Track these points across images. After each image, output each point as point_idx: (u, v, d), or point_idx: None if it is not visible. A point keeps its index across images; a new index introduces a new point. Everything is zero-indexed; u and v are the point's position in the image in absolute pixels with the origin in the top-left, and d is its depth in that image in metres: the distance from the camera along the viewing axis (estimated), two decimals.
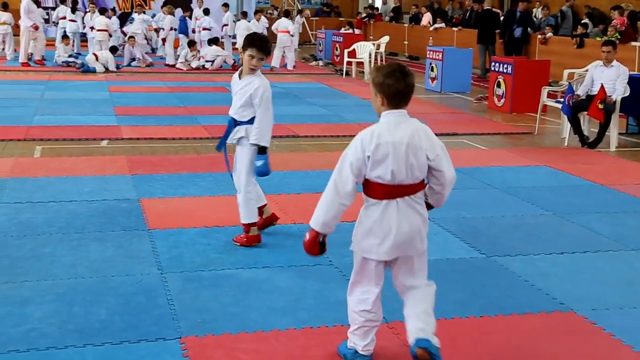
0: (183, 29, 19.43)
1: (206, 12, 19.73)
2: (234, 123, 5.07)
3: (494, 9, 17.68)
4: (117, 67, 16.73)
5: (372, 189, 3.26)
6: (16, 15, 18.37)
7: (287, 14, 19.69)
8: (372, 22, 25.22)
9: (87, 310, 3.98)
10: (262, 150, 5.03)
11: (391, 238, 3.25)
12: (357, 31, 22.71)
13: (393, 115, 3.27)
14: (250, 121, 5.01)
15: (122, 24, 20.32)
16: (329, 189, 3.29)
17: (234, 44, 19.59)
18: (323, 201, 3.31)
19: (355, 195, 3.27)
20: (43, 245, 5.00)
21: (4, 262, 4.66)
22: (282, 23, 18.41)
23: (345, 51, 17.99)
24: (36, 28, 17.06)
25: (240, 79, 5.04)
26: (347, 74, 17.64)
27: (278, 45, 17.81)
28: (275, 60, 17.80)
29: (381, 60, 20.46)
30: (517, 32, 16.24)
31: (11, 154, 7.88)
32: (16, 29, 18.13)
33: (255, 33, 5.36)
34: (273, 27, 18.64)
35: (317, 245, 3.36)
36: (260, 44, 4.91)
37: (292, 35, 18.45)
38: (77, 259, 4.76)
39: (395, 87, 3.23)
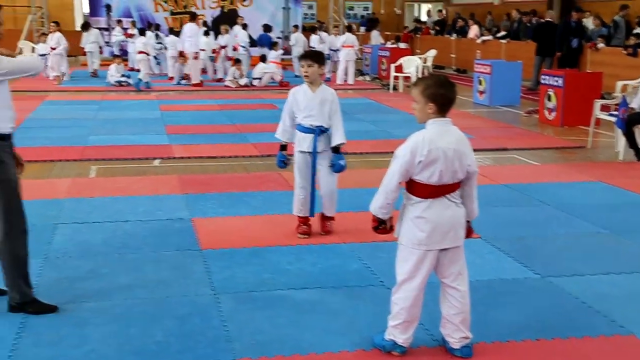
0: (266, 41, 19.93)
1: (244, 27, 20.06)
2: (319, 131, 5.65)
3: (554, 21, 17.37)
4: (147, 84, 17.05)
5: (418, 189, 3.60)
6: (69, 36, 18.94)
7: (350, 29, 19.81)
8: (418, 35, 25.16)
9: (144, 331, 4.05)
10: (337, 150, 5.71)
11: (437, 229, 3.59)
12: (403, 45, 22.68)
13: (441, 123, 3.59)
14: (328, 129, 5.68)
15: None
16: (382, 183, 3.69)
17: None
18: (379, 190, 3.71)
19: (399, 190, 3.66)
20: (101, 266, 5.10)
21: (64, 284, 4.77)
22: (346, 38, 18.66)
23: (392, 66, 17.98)
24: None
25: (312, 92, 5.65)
26: (394, 88, 17.61)
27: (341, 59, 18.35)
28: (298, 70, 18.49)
29: (429, 74, 20.35)
30: (574, 42, 16.03)
31: (68, 175, 8.07)
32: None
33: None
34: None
35: (378, 226, 3.80)
36: (306, 54, 5.78)
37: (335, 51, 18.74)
38: (134, 280, 4.85)
39: (448, 96, 3.58)
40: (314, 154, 5.67)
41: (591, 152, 9.77)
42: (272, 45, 18.83)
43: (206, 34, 18.28)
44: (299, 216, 5.86)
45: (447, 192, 3.60)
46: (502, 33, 20.58)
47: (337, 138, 5.66)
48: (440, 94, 3.55)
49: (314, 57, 5.66)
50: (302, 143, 5.67)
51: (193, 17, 18.33)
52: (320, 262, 5.26)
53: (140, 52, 17.92)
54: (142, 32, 18.96)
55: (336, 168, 5.70)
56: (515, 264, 5.23)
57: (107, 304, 4.42)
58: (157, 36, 20.04)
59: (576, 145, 10.17)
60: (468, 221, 3.76)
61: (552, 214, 6.58)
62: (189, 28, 17.76)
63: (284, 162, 5.84)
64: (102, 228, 6.00)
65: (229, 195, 7.15)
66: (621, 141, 9.21)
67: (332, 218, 5.94)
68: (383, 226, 3.79)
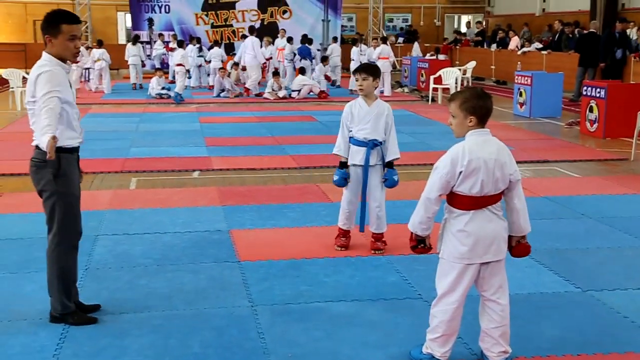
0: (306, 53, 20.14)
1: (289, 40, 20.23)
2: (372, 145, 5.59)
3: (597, 32, 17.16)
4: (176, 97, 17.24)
5: (460, 201, 3.58)
6: (112, 49, 19.31)
7: (385, 41, 19.86)
8: (458, 47, 25.04)
9: (182, 343, 4.08)
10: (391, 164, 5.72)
11: (480, 242, 3.57)
12: (442, 57, 22.60)
13: (480, 133, 3.59)
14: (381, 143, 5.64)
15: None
16: (421, 196, 3.67)
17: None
18: (418, 204, 3.69)
19: (439, 203, 3.64)
20: (139, 277, 5.17)
21: (103, 294, 4.84)
22: (382, 49, 18.71)
23: (431, 77, 17.92)
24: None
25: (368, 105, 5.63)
26: (433, 100, 17.54)
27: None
28: (352, 84, 18.56)
29: (468, 86, 20.26)
30: (619, 53, 15.81)
31: (109, 186, 8.20)
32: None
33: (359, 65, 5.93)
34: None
35: (416, 245, 3.79)
36: (365, 66, 5.73)
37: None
38: (172, 291, 4.89)
39: (487, 106, 3.59)
40: (365, 167, 5.62)
41: (634, 164, 9.59)
42: (323, 60, 19.41)
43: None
44: (340, 228, 5.86)
45: (489, 204, 3.58)
46: (536, 45, 20.40)
47: (392, 153, 5.64)
48: (480, 105, 3.56)
49: (369, 70, 5.60)
50: (355, 156, 5.62)
51: (252, 31, 18.74)
52: (358, 274, 5.25)
53: (178, 65, 18.16)
54: (180, 45, 19.22)
55: (389, 183, 5.65)
56: (556, 277, 5.15)
57: (145, 315, 4.47)
58: (200, 49, 20.30)
59: (619, 157, 10.00)
60: (523, 236, 3.71)
61: (593, 226, 6.47)
62: (251, 41, 18.13)
63: (345, 180, 5.69)
64: (141, 239, 6.07)
65: (267, 207, 7.19)
66: None
67: (382, 236, 5.81)
68: (422, 245, 3.77)
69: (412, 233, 3.76)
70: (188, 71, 19.65)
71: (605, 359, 3.88)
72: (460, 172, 3.50)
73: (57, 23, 4.13)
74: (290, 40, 20.02)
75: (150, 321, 4.38)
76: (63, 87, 4.11)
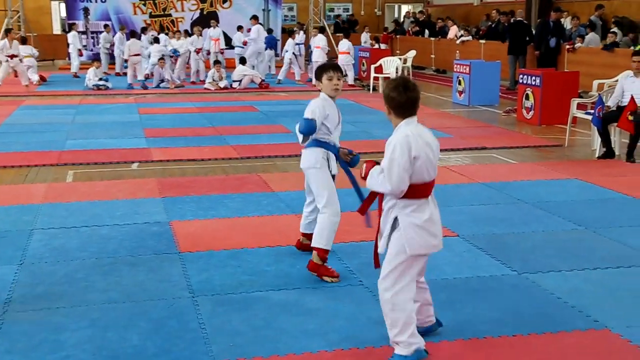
0: (273, 43, 20.20)
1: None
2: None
3: (524, 21, 17.53)
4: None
5: (417, 190, 3.55)
6: (46, 40, 18.80)
7: (322, 31, 19.92)
8: (398, 36, 25.22)
9: (121, 335, 4.02)
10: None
11: (439, 229, 3.64)
12: (383, 46, 22.72)
13: (413, 121, 3.59)
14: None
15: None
16: (383, 188, 3.56)
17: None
18: (375, 186, 3.61)
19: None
20: (76, 271, 5.07)
21: (39, 289, 4.73)
22: (318, 39, 18.81)
23: (372, 67, 18.02)
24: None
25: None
26: (374, 89, 17.65)
27: (314, 60, 18.57)
28: (282, 74, 19.22)
29: (408, 75, 20.46)
30: (552, 42, 16.13)
31: (44, 180, 8.00)
32: None
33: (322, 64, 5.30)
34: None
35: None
36: (334, 65, 5.17)
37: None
38: (110, 284, 4.82)
39: (398, 100, 3.55)
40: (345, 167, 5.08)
41: (568, 150, 9.85)
42: (291, 34, 19.62)
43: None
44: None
45: (431, 191, 3.63)
46: (464, 37, 20.72)
47: None
48: (391, 97, 3.56)
49: (339, 69, 5.08)
50: (332, 164, 5.05)
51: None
52: (299, 263, 5.25)
53: (136, 55, 17.95)
54: (132, 35, 18.91)
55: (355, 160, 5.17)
56: (493, 261, 5.26)
57: (82, 309, 4.39)
58: (156, 40, 19.94)
59: (553, 143, 10.25)
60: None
61: (529, 211, 6.62)
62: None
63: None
64: (78, 233, 5.95)
65: (207, 197, 7.13)
66: (597, 139, 9.29)
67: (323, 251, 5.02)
68: None
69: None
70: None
71: (539, 339, 3.98)
72: (415, 157, 3.48)
73: None
74: (240, 29, 20.01)
75: (87, 315, 4.30)
76: None
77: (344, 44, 18.81)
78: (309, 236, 5.26)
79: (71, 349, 3.86)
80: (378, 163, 3.66)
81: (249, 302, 4.52)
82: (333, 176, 5.07)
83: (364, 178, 3.69)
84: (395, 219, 3.60)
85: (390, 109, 3.59)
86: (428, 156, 3.52)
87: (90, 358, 3.76)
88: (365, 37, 23.76)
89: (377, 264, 3.78)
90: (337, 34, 26.57)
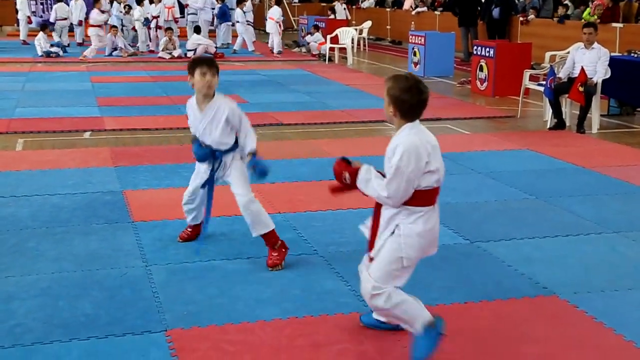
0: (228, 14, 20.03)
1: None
2: (215, 154, 4.63)
3: None
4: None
5: (425, 197, 3.28)
6: None
7: (279, 2, 19.85)
8: (354, 7, 25.13)
9: (72, 304, 3.98)
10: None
11: (436, 236, 3.43)
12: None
13: (417, 125, 3.33)
14: (233, 147, 4.64)
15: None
16: (377, 195, 3.28)
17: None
18: (370, 192, 3.32)
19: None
20: (26, 240, 4.98)
21: None
22: (271, 11, 18.92)
23: (328, 37, 17.95)
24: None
25: (200, 109, 4.64)
26: (330, 59, 17.60)
27: (268, 31, 18.81)
28: (237, 44, 19.41)
29: (364, 46, 20.46)
30: (495, 12, 16.20)
31: None
32: None
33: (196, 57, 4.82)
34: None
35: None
36: (209, 60, 4.66)
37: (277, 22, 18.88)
38: (62, 253, 4.75)
39: (410, 103, 3.27)
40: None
41: (520, 121, 10.00)
42: (239, 3, 19.52)
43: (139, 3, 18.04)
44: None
45: (436, 197, 3.38)
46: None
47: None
48: (402, 100, 3.25)
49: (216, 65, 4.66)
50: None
51: None
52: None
53: (63, 19, 17.63)
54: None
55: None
56: (446, 230, 5.32)
57: (33, 278, 4.33)
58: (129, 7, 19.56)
59: (506, 114, 10.39)
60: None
61: (482, 181, 6.72)
62: None
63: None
64: (28, 202, 5.84)
65: (162, 167, 7.06)
66: (549, 110, 9.45)
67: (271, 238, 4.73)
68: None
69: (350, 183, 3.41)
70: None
71: (490, 305, 4.07)
72: (427, 163, 3.22)
73: None
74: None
75: (38, 284, 4.24)
76: None
77: (274, 11, 18.93)
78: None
79: (21, 318, 3.80)
80: (348, 161, 3.43)
81: (204, 271, 4.51)
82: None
83: (350, 185, 3.39)
84: (397, 225, 3.33)
85: (398, 112, 3.27)
86: (438, 160, 3.28)
87: (41, 327, 3.71)
88: (339, 7, 23.44)
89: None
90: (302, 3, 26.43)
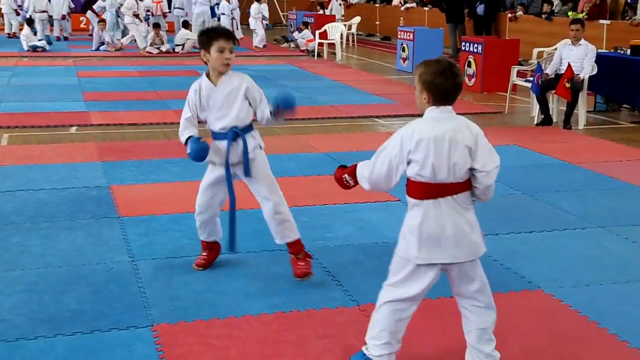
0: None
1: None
2: (236, 135, 4.20)
3: None
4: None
5: (413, 188, 3.05)
6: None
7: None
8: (343, 2, 25.10)
9: (58, 300, 3.96)
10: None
11: (431, 241, 3.05)
12: (328, 12, 22.60)
13: (437, 112, 3.05)
14: (251, 127, 4.27)
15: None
16: (361, 178, 3.17)
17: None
18: (360, 175, 3.18)
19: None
20: (11, 235, 4.96)
21: None
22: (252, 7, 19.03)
23: (317, 32, 17.93)
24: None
25: (213, 83, 4.23)
26: (319, 55, 17.59)
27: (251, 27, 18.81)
28: None
29: (353, 42, 20.45)
30: (480, 9, 16.22)
31: None
32: None
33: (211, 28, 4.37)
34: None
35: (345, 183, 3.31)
36: (226, 32, 4.21)
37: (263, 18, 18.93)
38: (47, 249, 4.73)
39: (444, 87, 3.01)
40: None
41: (508, 117, 10.03)
42: None
43: None
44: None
45: (447, 194, 3.02)
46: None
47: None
48: (437, 84, 3.00)
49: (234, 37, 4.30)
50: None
51: None
52: (242, 227, 5.18)
53: (42, 12, 17.65)
54: None
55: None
56: None
57: (18, 274, 4.30)
58: None
59: (494, 110, 10.42)
60: None
61: None
62: None
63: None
64: (13, 197, 5.81)
65: (148, 162, 7.04)
66: (536, 106, 9.48)
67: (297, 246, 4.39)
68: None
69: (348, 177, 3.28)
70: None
71: None
72: (409, 152, 2.98)
73: None
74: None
75: (23, 279, 4.22)
76: None
77: (253, 8, 19.09)
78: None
79: (6, 314, 3.78)
80: (345, 166, 3.33)
81: (190, 266, 4.49)
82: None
83: (355, 183, 3.25)
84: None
85: (432, 97, 3.03)
86: (430, 152, 2.96)
87: (26, 322, 3.69)
88: (335, 4, 23.28)
89: None
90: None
